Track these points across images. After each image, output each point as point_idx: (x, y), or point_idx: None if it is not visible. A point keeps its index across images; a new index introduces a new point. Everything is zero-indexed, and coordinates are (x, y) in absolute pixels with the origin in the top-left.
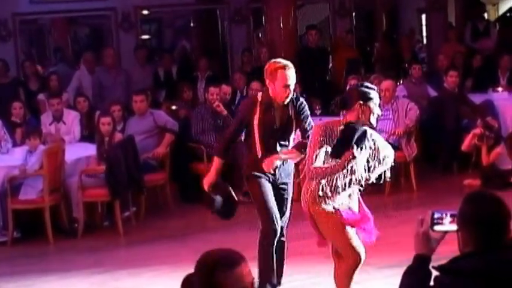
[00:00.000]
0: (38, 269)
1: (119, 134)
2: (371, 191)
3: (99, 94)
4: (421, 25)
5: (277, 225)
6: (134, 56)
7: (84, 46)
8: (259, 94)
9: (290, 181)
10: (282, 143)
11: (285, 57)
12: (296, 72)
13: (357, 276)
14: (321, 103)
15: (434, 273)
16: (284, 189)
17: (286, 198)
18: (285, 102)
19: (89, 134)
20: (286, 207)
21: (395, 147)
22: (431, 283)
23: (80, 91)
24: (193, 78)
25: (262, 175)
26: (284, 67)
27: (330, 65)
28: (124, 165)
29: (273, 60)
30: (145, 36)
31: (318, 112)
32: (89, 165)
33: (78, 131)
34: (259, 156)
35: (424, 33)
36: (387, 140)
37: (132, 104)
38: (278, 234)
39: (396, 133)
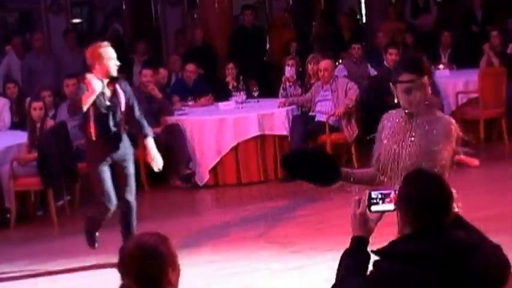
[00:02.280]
0: None
1: (51, 120)
2: None
3: (29, 80)
4: (360, 3)
5: (111, 205)
6: (64, 40)
7: (14, 31)
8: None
9: (129, 157)
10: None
11: (219, 38)
12: (232, 53)
13: (300, 260)
14: (258, 84)
15: (374, 257)
16: (124, 167)
17: (128, 174)
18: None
19: (20, 121)
20: (129, 181)
21: (336, 128)
22: (371, 267)
23: (9, 77)
24: (127, 62)
25: (100, 159)
26: (101, 45)
27: (268, 45)
28: (56, 152)
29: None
30: (77, 20)
31: (256, 94)
32: (20, 153)
33: (9, 118)
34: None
35: (364, 11)
36: (327, 121)
37: (64, 88)
38: (111, 210)
39: (336, 114)
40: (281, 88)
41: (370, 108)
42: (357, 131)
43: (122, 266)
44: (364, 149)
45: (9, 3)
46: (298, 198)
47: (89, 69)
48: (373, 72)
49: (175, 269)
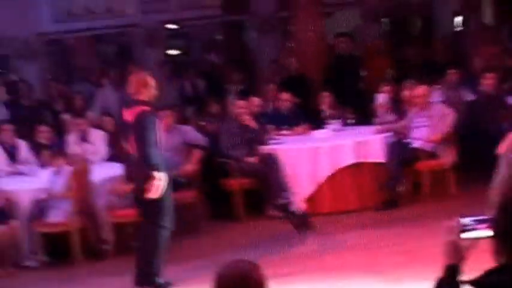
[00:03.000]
0: None
1: None
2: (410, 201)
3: None
4: (456, 28)
5: None
6: (159, 71)
7: (112, 64)
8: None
9: None
10: None
11: (314, 66)
12: (327, 81)
13: None
14: (354, 112)
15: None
16: None
17: None
18: None
19: (116, 153)
20: None
21: (433, 154)
22: None
23: (106, 110)
24: (222, 92)
25: None
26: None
27: (363, 73)
28: None
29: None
30: (174, 52)
31: (351, 121)
32: (117, 185)
33: (105, 150)
34: None
35: (460, 36)
36: (423, 148)
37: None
38: None
39: (433, 140)
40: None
41: (468, 133)
42: (454, 157)
43: None
44: (462, 175)
45: (106, 35)
46: (396, 226)
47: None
48: (469, 97)
49: None
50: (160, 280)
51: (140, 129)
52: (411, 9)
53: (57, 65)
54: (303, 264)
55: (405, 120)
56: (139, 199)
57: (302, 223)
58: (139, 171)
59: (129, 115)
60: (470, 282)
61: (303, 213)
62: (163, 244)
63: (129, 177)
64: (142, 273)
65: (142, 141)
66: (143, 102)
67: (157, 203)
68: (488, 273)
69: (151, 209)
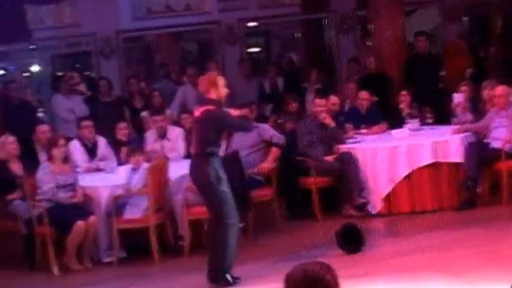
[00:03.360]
0: None
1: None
2: (487, 202)
3: None
4: None
5: None
6: (239, 69)
7: (192, 61)
8: None
9: None
10: None
11: (393, 65)
12: (406, 79)
13: None
14: (433, 111)
15: None
16: None
17: None
18: None
19: None
20: None
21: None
22: None
23: (185, 107)
24: (300, 90)
25: None
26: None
27: (442, 72)
28: (229, 181)
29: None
30: (254, 49)
31: (430, 121)
32: None
33: (183, 148)
34: None
35: None
36: (503, 148)
37: None
38: None
39: None
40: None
41: None
42: None
43: None
44: None
45: (186, 33)
46: (473, 227)
47: None
48: None
49: None
50: (230, 277)
51: (201, 127)
52: (492, 7)
53: (137, 62)
54: (377, 265)
55: (484, 120)
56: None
57: None
58: (202, 169)
59: (197, 112)
60: None
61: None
62: (232, 241)
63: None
64: (214, 270)
65: (202, 139)
66: (211, 101)
67: (218, 200)
68: None
69: (214, 207)
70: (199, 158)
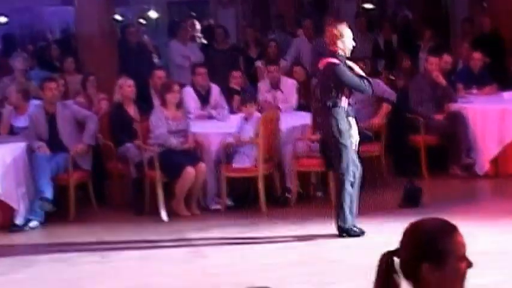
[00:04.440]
0: (248, 237)
1: None
2: None
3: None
4: None
5: None
6: (354, 24)
7: (308, 14)
8: None
9: None
10: None
11: (508, 26)
12: None
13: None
14: None
15: None
16: None
17: None
18: None
19: (306, 103)
20: None
21: None
22: None
23: (298, 59)
24: (414, 48)
25: None
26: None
27: None
28: None
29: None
30: (369, 5)
31: None
32: (304, 134)
33: (295, 99)
34: None
35: None
36: None
37: None
38: None
39: None
40: None
41: None
42: None
43: (407, 248)
44: None
45: None
46: None
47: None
48: None
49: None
50: (355, 228)
51: (323, 80)
52: None
53: (254, 12)
54: (484, 226)
55: None
56: (325, 149)
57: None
58: (325, 121)
59: (321, 64)
60: None
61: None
62: (349, 197)
63: (316, 126)
64: (338, 223)
65: (323, 91)
66: (335, 54)
67: (342, 153)
68: None
69: (336, 160)
70: (323, 110)
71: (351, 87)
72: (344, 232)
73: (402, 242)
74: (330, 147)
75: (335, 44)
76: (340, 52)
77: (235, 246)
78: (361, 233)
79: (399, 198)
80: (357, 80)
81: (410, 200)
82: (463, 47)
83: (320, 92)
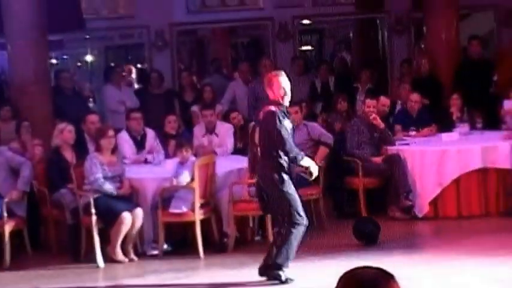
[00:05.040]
0: (185, 283)
1: None
2: None
3: (255, 105)
4: None
5: None
6: (290, 66)
7: (244, 57)
8: None
9: None
10: None
11: (446, 68)
12: (457, 83)
13: None
14: (483, 116)
15: None
16: None
17: None
18: None
19: (243, 146)
20: None
21: None
22: None
23: (235, 103)
24: (352, 90)
25: None
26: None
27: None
28: None
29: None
30: (307, 47)
31: (480, 125)
32: (241, 178)
33: (231, 144)
34: None
35: None
36: None
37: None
38: None
39: None
40: None
41: None
42: None
43: None
44: None
45: (240, 28)
46: None
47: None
48: None
49: None
50: (283, 276)
51: (265, 128)
52: None
53: (190, 55)
54: (422, 268)
55: None
56: (262, 192)
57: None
58: (264, 168)
59: (261, 112)
60: None
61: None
62: (295, 241)
63: (253, 170)
64: (274, 266)
65: (266, 141)
66: (270, 101)
67: (283, 200)
68: None
69: (278, 206)
70: (264, 158)
71: (281, 143)
72: (276, 277)
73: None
74: (274, 196)
75: (267, 91)
76: (272, 99)
77: None
78: (289, 282)
79: (338, 242)
80: (288, 143)
81: (368, 238)
82: (403, 88)
83: (260, 139)
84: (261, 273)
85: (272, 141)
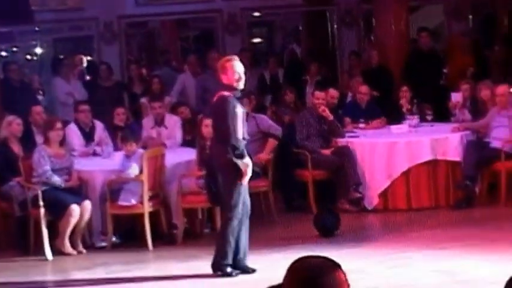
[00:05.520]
0: (134, 275)
1: None
2: (485, 202)
3: (203, 98)
4: None
5: None
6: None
7: (194, 49)
8: None
9: None
10: None
11: (395, 60)
12: (407, 75)
13: None
14: (433, 108)
15: None
16: None
17: None
18: None
19: (192, 139)
20: None
21: (511, 155)
22: None
23: (184, 95)
24: (301, 82)
25: None
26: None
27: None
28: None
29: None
30: (257, 40)
31: (430, 118)
32: (189, 170)
33: (180, 136)
34: None
35: None
36: (503, 148)
37: None
38: None
39: None
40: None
41: None
42: None
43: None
44: None
45: (190, 21)
46: (469, 226)
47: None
48: None
49: None
50: (229, 269)
51: (217, 114)
52: (498, 6)
53: (139, 48)
54: (371, 260)
55: (485, 119)
56: (211, 184)
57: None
58: (217, 157)
59: (214, 98)
60: None
61: None
62: (232, 235)
63: (201, 162)
64: (217, 259)
65: (219, 126)
66: (225, 87)
67: (232, 191)
68: None
69: (225, 197)
70: (216, 145)
71: (226, 128)
72: (219, 268)
73: (285, 279)
74: (219, 184)
75: (221, 76)
76: (226, 84)
77: (121, 285)
78: (234, 275)
79: (287, 234)
80: (234, 127)
81: (326, 230)
82: (353, 81)
83: (213, 127)
84: (212, 267)
85: (225, 126)
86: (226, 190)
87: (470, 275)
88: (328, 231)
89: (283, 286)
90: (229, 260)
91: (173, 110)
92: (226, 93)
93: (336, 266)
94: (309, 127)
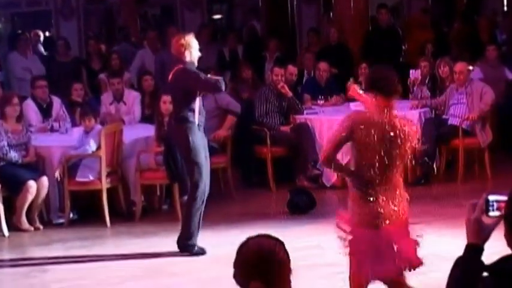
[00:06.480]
0: (92, 252)
1: None
2: (443, 179)
3: (162, 74)
4: (503, 4)
5: None
6: (198, 34)
7: (154, 25)
8: None
9: None
10: None
11: (354, 37)
12: (366, 52)
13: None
14: None
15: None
16: None
17: None
18: None
19: (151, 114)
20: None
21: (469, 132)
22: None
23: (143, 70)
24: (260, 59)
25: None
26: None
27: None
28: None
29: None
30: (217, 16)
31: None
32: (148, 147)
33: (139, 112)
34: None
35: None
36: (460, 125)
37: None
38: None
39: (470, 118)
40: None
41: (507, 113)
42: (491, 137)
43: (240, 267)
44: (498, 155)
45: None
46: (427, 203)
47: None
48: (510, 76)
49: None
50: (196, 248)
51: (175, 88)
52: None
53: (98, 24)
54: (329, 236)
55: (443, 96)
56: (169, 161)
57: None
58: (176, 136)
59: (171, 75)
60: (485, 268)
61: None
62: (199, 209)
63: (160, 139)
64: (182, 240)
65: (176, 101)
66: (184, 63)
67: (194, 170)
68: (503, 260)
69: (188, 176)
70: (174, 124)
71: (203, 84)
72: (186, 248)
73: (234, 261)
74: (177, 160)
75: (182, 54)
76: (188, 61)
77: (79, 261)
78: (202, 253)
79: (245, 211)
80: (205, 77)
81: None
82: (307, 58)
83: (173, 100)
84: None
85: (184, 102)
86: (187, 170)
87: (427, 251)
88: (302, 211)
89: (234, 269)
90: (195, 240)
91: (139, 79)
92: (181, 65)
93: (282, 243)
94: (268, 104)
